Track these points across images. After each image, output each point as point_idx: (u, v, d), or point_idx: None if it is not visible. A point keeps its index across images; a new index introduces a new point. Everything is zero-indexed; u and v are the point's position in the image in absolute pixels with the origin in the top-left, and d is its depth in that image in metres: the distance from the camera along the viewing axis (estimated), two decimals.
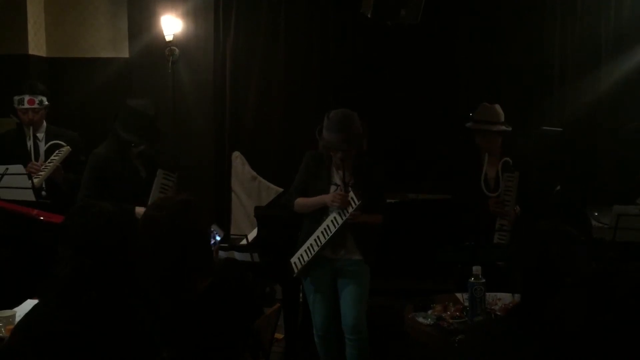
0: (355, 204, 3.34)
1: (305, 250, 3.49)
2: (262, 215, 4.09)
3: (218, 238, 2.21)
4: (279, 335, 4.02)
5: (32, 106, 4.15)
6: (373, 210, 3.47)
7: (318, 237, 3.46)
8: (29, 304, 2.68)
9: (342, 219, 3.38)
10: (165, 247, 1.94)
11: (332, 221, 3.42)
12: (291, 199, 3.60)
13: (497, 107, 3.95)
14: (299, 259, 3.52)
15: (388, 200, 3.99)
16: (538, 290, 1.75)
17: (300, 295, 4.07)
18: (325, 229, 3.44)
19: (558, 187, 4.17)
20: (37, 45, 5.65)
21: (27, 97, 4.14)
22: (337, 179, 3.50)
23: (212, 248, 2.18)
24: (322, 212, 3.47)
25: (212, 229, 2.22)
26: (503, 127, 3.90)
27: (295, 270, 3.52)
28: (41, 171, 3.98)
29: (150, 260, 1.94)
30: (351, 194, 3.37)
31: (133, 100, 3.81)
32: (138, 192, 3.58)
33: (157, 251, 1.94)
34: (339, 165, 3.49)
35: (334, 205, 3.40)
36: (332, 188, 3.50)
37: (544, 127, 5.05)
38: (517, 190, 3.73)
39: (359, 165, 3.50)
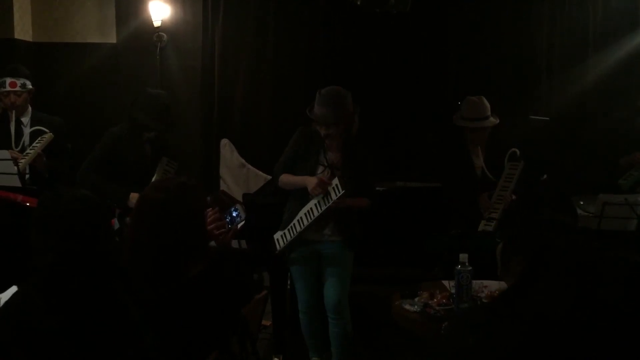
0: (339, 191, 3.32)
1: (289, 230, 3.51)
2: (251, 203, 4.09)
3: (238, 219, 2.20)
4: (266, 322, 4.04)
5: (14, 89, 4.10)
6: (360, 194, 3.46)
7: (301, 218, 3.46)
8: (14, 290, 2.66)
9: (325, 204, 3.37)
10: (162, 229, 1.94)
11: (315, 205, 3.41)
12: (277, 173, 3.61)
13: (483, 99, 3.96)
14: (282, 236, 3.54)
15: (376, 189, 3.99)
16: (534, 278, 1.77)
17: (288, 282, 4.09)
18: (308, 211, 3.44)
19: (545, 176, 4.21)
20: (22, 29, 5.57)
21: (8, 80, 4.10)
22: (325, 159, 3.50)
23: (232, 227, 2.19)
24: (306, 192, 3.46)
25: (236, 208, 2.21)
26: (493, 120, 3.92)
27: (278, 247, 3.55)
28: (22, 158, 3.95)
29: (145, 241, 1.94)
30: (336, 181, 3.35)
31: (152, 88, 4.11)
32: (141, 176, 3.69)
33: (153, 232, 1.94)
34: (328, 145, 3.49)
35: (315, 194, 3.39)
36: (320, 168, 3.49)
37: (532, 117, 5.08)
38: (518, 180, 3.76)
39: (349, 148, 3.50)
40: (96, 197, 1.94)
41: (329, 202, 3.35)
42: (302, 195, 3.48)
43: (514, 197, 3.78)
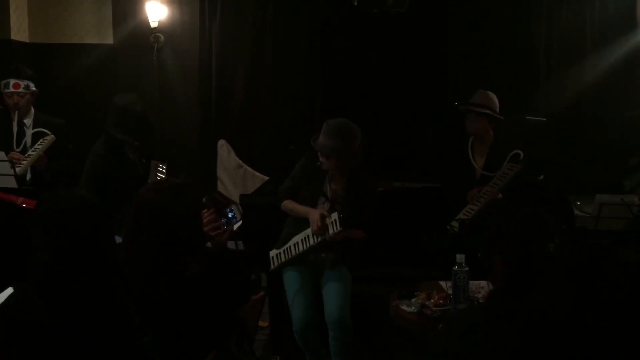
0: (336, 227, 3.30)
1: (284, 251, 3.51)
2: (248, 203, 4.09)
3: (234, 220, 2.20)
4: (263, 323, 4.03)
5: (18, 90, 4.11)
6: (356, 226, 3.43)
7: (297, 243, 3.46)
8: (10, 291, 2.66)
9: (322, 236, 3.37)
10: (161, 229, 1.94)
11: (313, 234, 3.41)
12: (280, 198, 3.61)
13: (490, 93, 3.99)
14: (277, 255, 3.54)
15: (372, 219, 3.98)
16: (519, 276, 1.77)
17: None
18: (305, 238, 3.43)
19: (541, 177, 4.21)
20: (19, 30, 5.56)
21: (12, 81, 4.12)
22: (327, 191, 3.49)
23: (227, 227, 2.18)
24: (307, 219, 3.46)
25: (232, 209, 2.21)
26: (488, 111, 3.92)
27: (272, 266, 3.55)
28: (23, 160, 3.96)
29: (145, 241, 1.94)
30: (335, 216, 3.33)
31: (120, 98, 3.86)
32: (136, 186, 3.64)
33: (152, 232, 1.94)
34: (332, 176, 3.47)
35: (312, 229, 3.38)
36: (321, 199, 3.48)
37: (528, 117, 5.09)
38: (510, 181, 3.77)
39: (353, 180, 3.48)
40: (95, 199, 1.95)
41: (325, 235, 3.35)
42: (304, 220, 3.46)
43: (500, 195, 3.78)
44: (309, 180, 3.52)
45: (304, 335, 3.40)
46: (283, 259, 3.50)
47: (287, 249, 3.50)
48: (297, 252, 3.45)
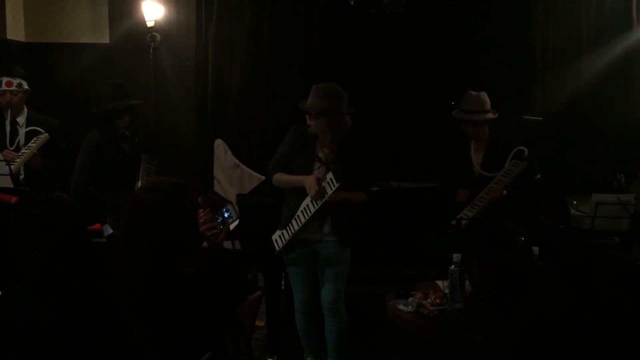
0: (333, 185, 3.31)
1: (287, 229, 3.51)
2: (245, 203, 4.08)
3: (230, 219, 2.19)
4: (260, 323, 4.03)
5: (10, 88, 4.12)
6: (355, 188, 3.45)
7: (298, 216, 3.47)
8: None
9: (321, 200, 3.37)
10: (160, 229, 1.93)
11: (312, 201, 3.41)
12: (271, 172, 3.61)
13: (483, 95, 3.99)
14: (280, 236, 3.55)
15: (372, 183, 3.99)
16: (506, 281, 1.79)
17: (283, 282, 4.08)
18: (305, 208, 3.44)
19: (538, 176, 4.22)
20: (15, 29, 5.55)
21: (5, 79, 4.13)
22: (321, 155, 3.49)
23: (224, 227, 2.18)
24: (304, 189, 3.45)
25: (227, 209, 2.21)
26: (489, 116, 3.94)
27: (277, 248, 3.55)
28: (17, 158, 3.96)
29: (145, 242, 1.93)
30: (330, 175, 3.34)
31: (102, 83, 4.10)
32: (126, 177, 3.77)
33: (151, 233, 1.93)
34: (321, 141, 3.48)
35: (310, 194, 3.39)
36: (316, 164, 3.48)
37: (525, 116, 5.10)
38: (514, 179, 3.78)
39: (341, 143, 3.49)
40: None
41: (324, 197, 3.34)
42: (300, 191, 3.46)
43: (504, 192, 3.79)
44: (300, 149, 3.52)
45: (305, 317, 3.60)
46: (287, 237, 3.51)
47: (289, 225, 3.50)
48: (300, 224, 3.45)
